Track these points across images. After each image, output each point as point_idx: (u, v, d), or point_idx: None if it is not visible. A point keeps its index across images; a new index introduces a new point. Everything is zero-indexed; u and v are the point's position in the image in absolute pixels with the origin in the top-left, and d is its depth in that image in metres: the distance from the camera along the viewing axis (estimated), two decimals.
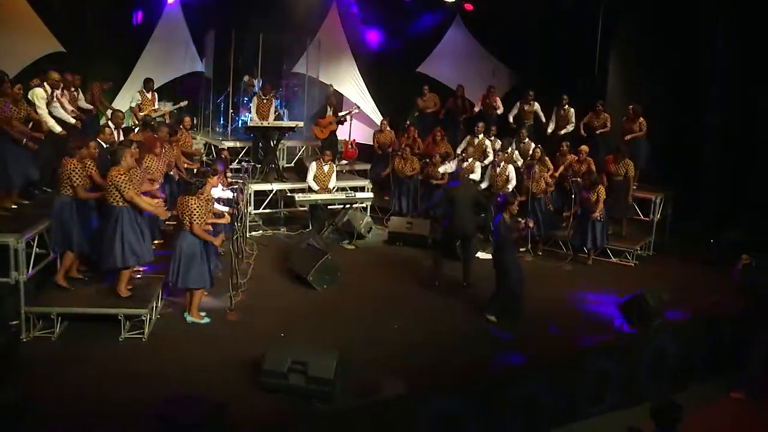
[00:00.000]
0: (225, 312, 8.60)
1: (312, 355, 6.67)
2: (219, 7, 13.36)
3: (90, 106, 11.10)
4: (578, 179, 11.66)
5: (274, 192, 12.02)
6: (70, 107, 9.54)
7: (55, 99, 9.09)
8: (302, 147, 14.12)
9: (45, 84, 8.89)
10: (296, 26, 13.63)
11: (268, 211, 12.27)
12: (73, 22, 12.02)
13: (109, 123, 9.68)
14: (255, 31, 12.93)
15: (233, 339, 7.92)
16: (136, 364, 7.22)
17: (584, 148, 12.18)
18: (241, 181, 9.36)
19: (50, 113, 9.03)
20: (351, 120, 14.78)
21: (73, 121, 9.32)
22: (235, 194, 9.29)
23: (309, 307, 9.07)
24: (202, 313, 8.42)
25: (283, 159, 13.38)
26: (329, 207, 12.07)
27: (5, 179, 8.20)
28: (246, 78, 13.69)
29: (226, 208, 9.19)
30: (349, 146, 14.51)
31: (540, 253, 11.92)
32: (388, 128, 13.99)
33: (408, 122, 13.88)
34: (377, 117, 15.04)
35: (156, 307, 8.43)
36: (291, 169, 13.11)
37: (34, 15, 11.68)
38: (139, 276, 8.77)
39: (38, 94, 8.86)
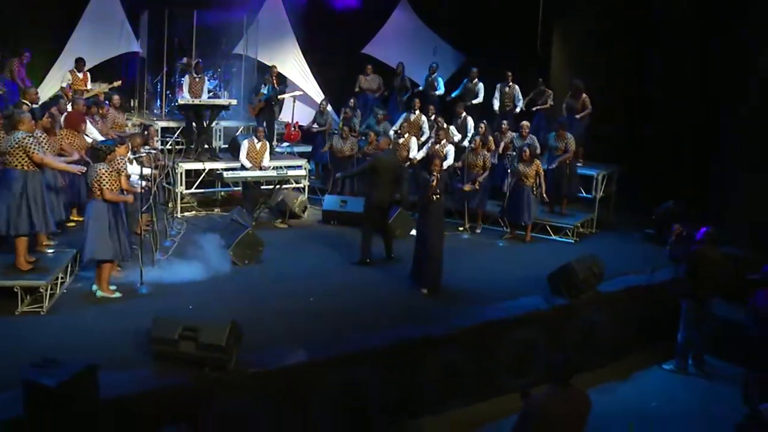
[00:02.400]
0: (135, 286, 8.31)
1: (204, 322, 6.38)
2: None
3: None
4: (514, 153, 11.46)
5: (206, 171, 11.69)
6: None
7: None
8: (240, 128, 13.81)
9: None
10: (234, 5, 13.31)
11: (200, 191, 11.95)
12: None
13: (24, 100, 9.37)
14: (189, 10, 12.61)
15: (141, 313, 7.55)
16: (32, 337, 6.91)
17: (525, 123, 11.99)
18: (154, 154, 9.01)
19: None
20: (294, 102, 14.53)
21: None
22: (151, 169, 8.97)
23: (226, 282, 8.77)
24: (113, 287, 8.12)
25: (220, 140, 13.08)
26: (264, 186, 11.81)
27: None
28: (185, 59, 13.38)
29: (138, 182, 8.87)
30: (292, 128, 14.26)
31: (478, 231, 11.70)
32: (328, 109, 13.73)
33: (351, 101, 13.61)
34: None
35: (63, 281, 8.15)
36: (228, 150, 12.81)
37: None
38: (51, 251, 8.47)
39: None
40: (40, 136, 7.97)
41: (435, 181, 8.62)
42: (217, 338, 6.24)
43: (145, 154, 8.66)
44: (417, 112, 12.82)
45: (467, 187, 11.29)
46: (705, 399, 8.37)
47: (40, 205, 7.59)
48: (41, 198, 7.59)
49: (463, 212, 11.64)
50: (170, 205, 11.47)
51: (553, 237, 11.51)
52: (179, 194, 11.51)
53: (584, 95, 12.48)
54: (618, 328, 9.12)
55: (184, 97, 12.03)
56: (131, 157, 8.84)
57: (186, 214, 11.68)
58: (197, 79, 12.25)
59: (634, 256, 10.78)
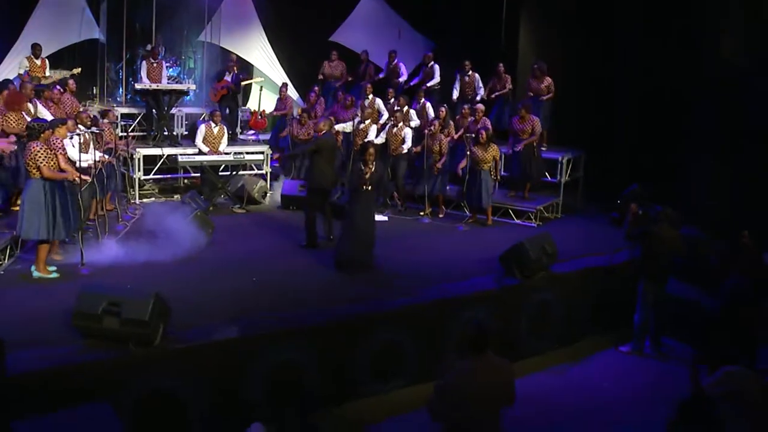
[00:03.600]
0: (77, 268, 8.14)
1: (127, 297, 6.21)
2: None
3: None
4: (471, 135, 11.31)
5: (164, 157, 11.53)
6: None
7: None
8: (203, 114, 13.65)
9: None
10: None
11: (159, 177, 11.79)
12: None
13: None
14: None
15: (76, 293, 7.43)
16: None
17: (479, 106, 11.86)
18: (96, 133, 8.83)
19: None
20: (261, 90, 14.39)
21: None
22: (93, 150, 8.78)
23: (172, 263, 8.57)
24: (51, 268, 7.96)
25: (182, 126, 12.90)
26: (224, 173, 11.66)
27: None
28: (149, 46, 13.21)
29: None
30: (258, 116, 14.12)
31: (441, 216, 11.55)
32: (289, 94, 13.64)
33: (316, 88, 13.46)
34: (291, 90, 14.58)
35: (1, 263, 8.01)
36: (188, 137, 12.66)
37: None
38: None
39: None
40: None
41: (368, 173, 8.49)
42: (140, 313, 6.07)
43: (82, 134, 8.43)
44: (370, 96, 12.62)
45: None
46: (658, 379, 8.19)
47: None
48: None
49: (424, 197, 11.50)
50: (130, 191, 11.36)
51: (516, 221, 11.35)
52: (137, 180, 11.34)
53: (547, 78, 12.31)
54: (572, 310, 8.97)
55: (143, 83, 11.84)
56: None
57: (145, 200, 11.52)
58: (155, 65, 12.07)
59: (598, 239, 10.59)
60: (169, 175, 12.08)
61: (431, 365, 7.54)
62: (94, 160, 8.85)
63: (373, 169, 8.58)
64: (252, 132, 13.87)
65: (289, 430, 6.58)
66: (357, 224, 8.59)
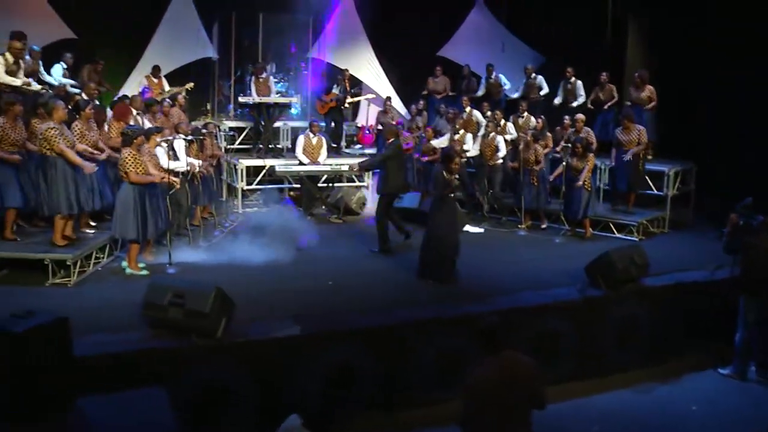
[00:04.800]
0: (165, 266, 8.59)
1: (190, 289, 6.46)
2: None
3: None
4: (568, 145, 10.94)
5: (267, 168, 11.96)
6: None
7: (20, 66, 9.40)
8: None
9: (7, 53, 9.25)
10: (304, 8, 13.62)
11: (261, 187, 12.22)
12: (85, 9, 12.54)
13: (83, 94, 10.03)
14: (255, 13, 13.04)
15: None
16: (53, 305, 7.20)
17: (579, 116, 11.45)
18: (188, 140, 9.34)
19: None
20: (369, 106, 14.67)
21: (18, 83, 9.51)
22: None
23: (255, 266, 8.85)
24: (142, 266, 8.45)
25: (287, 139, 13.35)
26: (325, 185, 11.95)
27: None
28: (259, 62, 13.81)
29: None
30: (366, 131, 14.38)
31: (543, 227, 11.28)
32: (392, 107, 13.90)
33: (421, 103, 13.59)
34: (397, 102, 14.74)
35: (99, 260, 8.61)
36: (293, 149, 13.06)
37: (44, 2, 12.34)
38: (92, 232, 8.97)
39: None
40: (76, 127, 8.47)
41: (452, 180, 8.42)
42: (202, 304, 6.30)
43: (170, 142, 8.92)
44: (468, 109, 12.68)
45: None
46: (759, 409, 7.46)
47: (71, 188, 8.08)
48: (69, 182, 8.06)
49: (525, 210, 11.27)
50: (234, 201, 11.88)
51: (617, 235, 10.81)
52: (240, 190, 11.83)
53: (649, 86, 11.73)
54: (665, 327, 8.39)
55: (249, 96, 12.39)
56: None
57: (248, 210, 11.98)
58: (262, 80, 12.60)
59: (705, 255, 9.81)
60: (272, 186, 12.47)
61: None
62: (187, 169, 9.34)
63: (456, 176, 8.51)
64: (359, 146, 14.13)
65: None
66: (440, 232, 8.49)
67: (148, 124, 10.33)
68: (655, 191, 11.48)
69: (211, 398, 6.24)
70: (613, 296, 8.13)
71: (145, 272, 8.35)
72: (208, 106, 13.73)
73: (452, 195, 8.59)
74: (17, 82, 9.20)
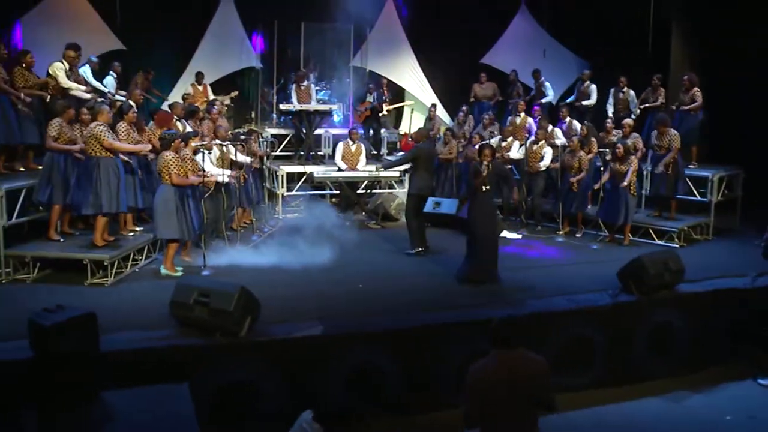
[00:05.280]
0: (201, 268, 8.80)
1: (216, 288, 6.62)
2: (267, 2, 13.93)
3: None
4: (606, 150, 10.79)
5: (306, 174, 12.13)
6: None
7: (72, 73, 9.87)
8: None
9: (63, 60, 9.71)
10: (345, 18, 13.81)
11: (301, 193, 12.37)
12: (133, 21, 13.00)
13: (129, 100, 10.37)
14: (298, 22, 13.28)
15: None
16: (90, 303, 7.46)
17: (627, 121, 11.27)
18: (225, 144, 9.58)
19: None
20: (412, 113, 14.74)
21: (87, 96, 9.97)
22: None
23: (287, 269, 8.97)
24: (178, 267, 8.69)
25: (328, 146, 13.52)
26: (364, 191, 12.06)
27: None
28: (300, 71, 14.06)
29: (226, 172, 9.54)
30: (409, 138, 14.42)
31: (579, 235, 11.11)
32: (436, 115, 13.88)
33: (464, 108, 13.62)
34: (440, 109, 14.77)
35: (138, 261, 8.89)
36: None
37: (96, 15, 12.84)
38: (132, 234, 9.27)
39: (57, 67, 9.66)
40: (121, 127, 8.79)
41: (485, 171, 8.37)
42: (226, 303, 6.44)
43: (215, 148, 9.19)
44: (522, 114, 12.62)
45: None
46: None
47: (113, 188, 8.37)
48: (111, 182, 8.35)
49: (563, 216, 11.21)
50: (276, 207, 12.09)
51: (657, 242, 10.59)
52: (280, 196, 12.02)
53: (695, 89, 11.44)
54: (701, 334, 8.19)
55: (291, 103, 12.62)
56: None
57: (288, 216, 12.16)
58: (303, 88, 12.81)
59: (748, 263, 9.54)
60: (313, 192, 12.62)
61: None
62: (223, 175, 9.58)
63: (490, 168, 8.50)
64: (401, 153, 14.19)
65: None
66: (480, 234, 8.47)
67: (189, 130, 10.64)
68: (699, 197, 11.19)
69: (232, 395, 6.37)
70: (645, 302, 7.97)
71: (180, 273, 8.57)
72: (253, 114, 14.02)
73: (485, 188, 8.52)
74: (81, 88, 9.60)
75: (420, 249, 9.72)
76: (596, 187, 10.74)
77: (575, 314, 7.66)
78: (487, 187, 8.43)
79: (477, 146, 9.50)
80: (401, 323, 7.15)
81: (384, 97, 13.51)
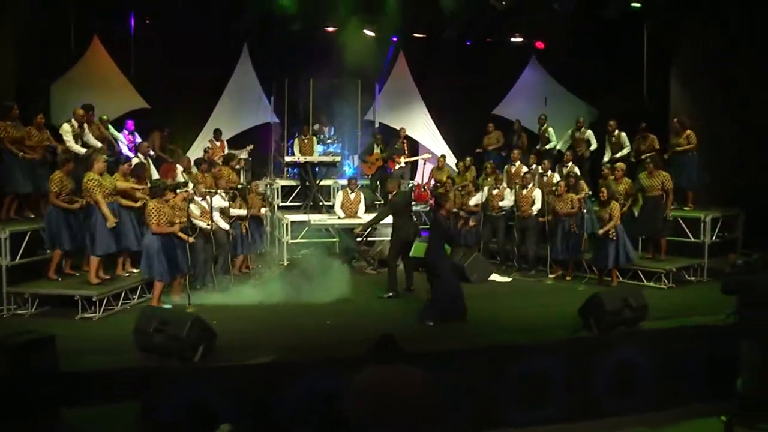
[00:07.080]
0: (186, 306, 9.36)
1: (172, 317, 7.19)
2: (280, 59, 14.75)
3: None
4: (590, 193, 10.97)
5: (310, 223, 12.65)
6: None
7: (84, 130, 10.75)
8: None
9: (72, 120, 10.61)
10: (352, 73, 14.50)
11: (304, 240, 12.85)
12: (155, 81, 14.02)
13: (138, 152, 11.23)
14: (306, 78, 14.01)
15: None
16: (76, 334, 8.16)
17: (620, 165, 11.44)
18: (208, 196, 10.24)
19: (83, 141, 10.65)
20: (425, 164, 15.22)
21: (83, 151, 10.52)
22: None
23: (264, 308, 9.54)
24: (166, 306, 9.27)
25: (334, 196, 14.04)
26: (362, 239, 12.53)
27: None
28: (317, 126, 14.76)
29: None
30: (422, 189, 14.87)
31: (561, 275, 11.25)
32: (446, 164, 14.36)
33: (467, 159, 14.04)
34: (452, 160, 15.19)
35: (130, 299, 9.58)
36: None
37: (121, 75, 13.90)
38: (127, 274, 9.96)
39: (64, 130, 10.45)
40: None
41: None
42: (179, 330, 6.99)
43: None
44: (518, 163, 12.94)
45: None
46: None
47: (105, 231, 9.16)
48: (104, 225, 9.14)
49: (562, 262, 11.40)
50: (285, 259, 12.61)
51: (646, 283, 10.60)
52: (285, 243, 12.56)
53: (688, 131, 11.59)
54: (666, 372, 8.14)
55: (293, 156, 13.30)
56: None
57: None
58: (306, 141, 13.51)
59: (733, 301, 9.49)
60: (318, 240, 13.08)
61: (482, 418, 7.41)
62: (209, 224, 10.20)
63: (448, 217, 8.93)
64: (414, 204, 14.58)
65: None
66: (437, 274, 8.83)
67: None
68: (693, 239, 11.19)
69: (184, 417, 6.79)
70: (602, 338, 8.05)
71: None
72: (266, 168, 14.82)
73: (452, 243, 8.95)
74: (82, 151, 10.43)
75: (391, 293, 10.12)
76: (599, 233, 10.68)
77: (529, 349, 7.80)
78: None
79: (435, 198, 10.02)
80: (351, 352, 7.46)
81: (405, 148, 14.07)
